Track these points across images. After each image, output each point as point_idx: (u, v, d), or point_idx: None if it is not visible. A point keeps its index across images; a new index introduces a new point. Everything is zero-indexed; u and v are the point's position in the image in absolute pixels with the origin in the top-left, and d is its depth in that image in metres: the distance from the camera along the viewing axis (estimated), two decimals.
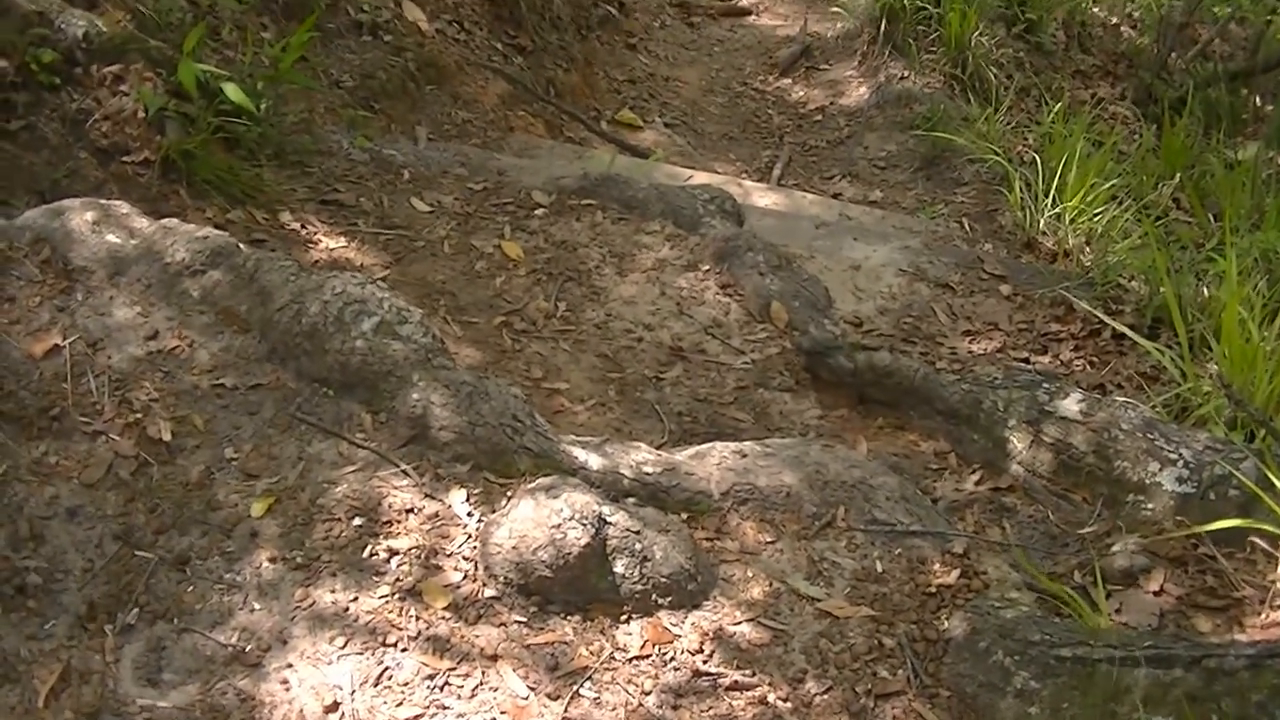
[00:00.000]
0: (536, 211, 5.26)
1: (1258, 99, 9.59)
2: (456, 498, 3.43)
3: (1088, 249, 6.01)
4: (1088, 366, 5.12)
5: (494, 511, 3.37)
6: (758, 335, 4.74)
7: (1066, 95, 8.60)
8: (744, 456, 3.63)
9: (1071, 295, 5.51)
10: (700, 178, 6.47)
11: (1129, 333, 4.85)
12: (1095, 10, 9.76)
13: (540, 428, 3.59)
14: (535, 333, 4.65)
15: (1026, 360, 5.14)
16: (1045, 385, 4.22)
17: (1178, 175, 7.52)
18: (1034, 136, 7.53)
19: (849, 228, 6.00)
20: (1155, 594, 3.60)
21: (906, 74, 8.18)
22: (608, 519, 3.27)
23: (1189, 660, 2.87)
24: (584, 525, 3.21)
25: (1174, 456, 3.89)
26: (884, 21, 8.40)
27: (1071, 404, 4.10)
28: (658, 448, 3.99)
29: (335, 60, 6.14)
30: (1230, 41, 10.28)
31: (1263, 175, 7.86)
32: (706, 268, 5.00)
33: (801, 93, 8.58)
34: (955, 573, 3.49)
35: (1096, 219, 6.08)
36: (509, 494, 3.42)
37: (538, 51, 7.66)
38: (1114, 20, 9.92)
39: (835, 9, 8.97)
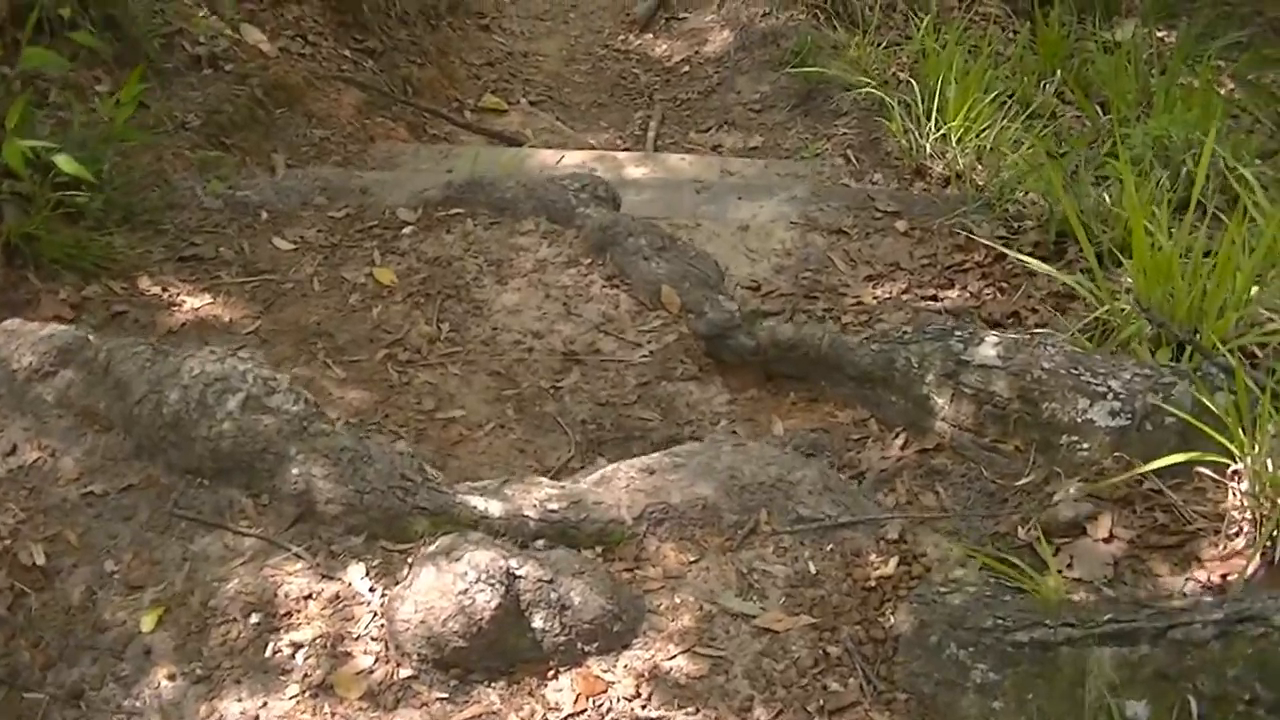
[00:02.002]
0: (404, 230, 5.01)
1: None
2: (355, 574, 3.20)
3: (979, 167, 5.81)
4: (998, 294, 4.94)
5: (396, 583, 3.15)
6: (652, 325, 4.52)
7: (933, 5, 8.39)
8: (652, 473, 3.41)
9: (969, 222, 5.32)
10: (572, 157, 6.24)
11: (1031, 262, 4.65)
12: None
13: (433, 481, 3.36)
14: (421, 361, 4.41)
15: (934, 297, 4.95)
16: (958, 333, 4.02)
17: (1058, 71, 7.34)
18: (908, 55, 7.30)
19: (732, 186, 5.78)
20: (1105, 541, 3.42)
21: (768, 11, 7.95)
22: (516, 572, 3.05)
23: (1154, 633, 2.69)
24: (492, 585, 2.99)
25: (1102, 390, 3.70)
26: None
27: (988, 349, 3.91)
28: (566, 462, 3.80)
29: (178, 101, 5.83)
30: None
31: (1143, 55, 7.70)
32: (589, 261, 4.78)
33: (665, 46, 8.33)
34: (894, 560, 3.30)
35: (983, 135, 5.86)
36: (409, 561, 3.19)
37: (389, 51, 7.37)
38: None
39: None
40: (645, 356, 4.40)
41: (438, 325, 4.54)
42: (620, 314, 4.57)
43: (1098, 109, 6.70)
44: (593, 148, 7.06)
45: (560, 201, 4.97)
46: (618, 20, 8.78)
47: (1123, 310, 4.21)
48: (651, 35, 8.50)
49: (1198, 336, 3.97)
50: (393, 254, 4.90)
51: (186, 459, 3.40)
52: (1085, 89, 7.31)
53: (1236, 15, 9.69)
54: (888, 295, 4.96)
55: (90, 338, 3.71)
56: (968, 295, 4.93)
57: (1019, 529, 3.54)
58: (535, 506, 3.32)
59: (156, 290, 4.67)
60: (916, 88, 6.36)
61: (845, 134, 6.70)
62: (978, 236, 5.20)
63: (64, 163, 4.55)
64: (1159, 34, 8.68)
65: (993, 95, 6.23)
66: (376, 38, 7.34)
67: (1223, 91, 7.97)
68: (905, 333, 4.14)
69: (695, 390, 4.27)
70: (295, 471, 3.31)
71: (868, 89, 6.64)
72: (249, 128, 6.02)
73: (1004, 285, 4.96)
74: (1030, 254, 5.07)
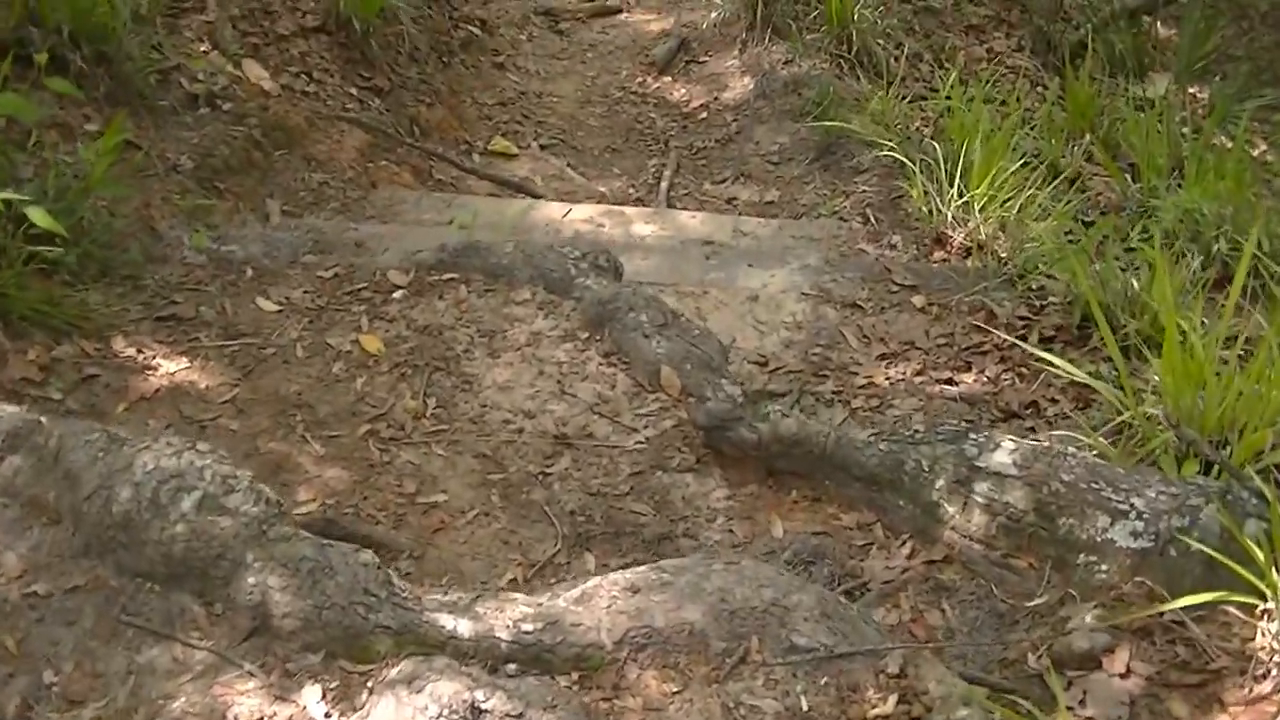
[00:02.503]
0: (395, 294, 4.78)
1: (1159, 26, 9.19)
2: (310, 697, 2.96)
3: (1002, 238, 5.56)
4: (1016, 380, 4.70)
5: (355, 710, 2.90)
6: (649, 408, 4.29)
7: (960, 56, 8.16)
8: (636, 592, 3.16)
9: (990, 300, 5.08)
10: (580, 211, 6.01)
11: (1052, 360, 4.39)
12: None
13: (399, 596, 3.11)
14: (405, 439, 4.18)
15: (949, 381, 4.71)
16: (973, 437, 3.78)
17: (1087, 134, 7.10)
18: (932, 109, 7.07)
19: (743, 251, 5.55)
20: (1122, 676, 3.17)
21: (790, 58, 7.70)
22: (482, 706, 2.81)
23: None
24: None
25: (1124, 508, 3.46)
26: (760, 4, 7.94)
27: (1004, 456, 3.67)
28: (551, 557, 3.59)
29: (171, 141, 5.61)
30: None
31: (1176, 115, 7.46)
32: (585, 336, 4.54)
33: (683, 91, 8.09)
34: (893, 698, 3.05)
35: (1008, 205, 5.61)
36: (369, 685, 2.95)
37: (397, 89, 7.13)
38: None
39: None
40: (641, 443, 4.16)
41: (424, 400, 4.31)
42: (616, 395, 4.34)
43: (1127, 177, 6.44)
44: (603, 198, 6.84)
45: (559, 271, 4.73)
46: (636, 62, 8.53)
47: (1148, 415, 3.95)
48: (670, 78, 8.26)
49: (1228, 451, 3.71)
50: (381, 320, 4.67)
51: (137, 561, 3.16)
52: (1114, 151, 7.09)
53: (1271, 71, 9.47)
54: (901, 376, 4.73)
55: (42, 420, 3.47)
56: (985, 380, 4.70)
57: (1029, 655, 3.30)
58: (508, 627, 3.07)
59: (131, 352, 4.45)
60: (940, 149, 6.12)
61: (865, 192, 6.45)
62: (998, 316, 4.97)
63: (37, 216, 4.33)
64: (1192, 91, 8.46)
65: (1019, 160, 5.99)
66: (385, 75, 7.11)
67: (1255, 153, 7.75)
68: (916, 432, 3.90)
69: (692, 483, 4.04)
70: (252, 581, 3.07)
71: (889, 148, 6.39)
72: (244, 171, 5.79)
73: (1023, 371, 4.73)
74: (1053, 338, 4.86)
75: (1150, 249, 4.95)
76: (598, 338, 4.51)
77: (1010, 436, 3.77)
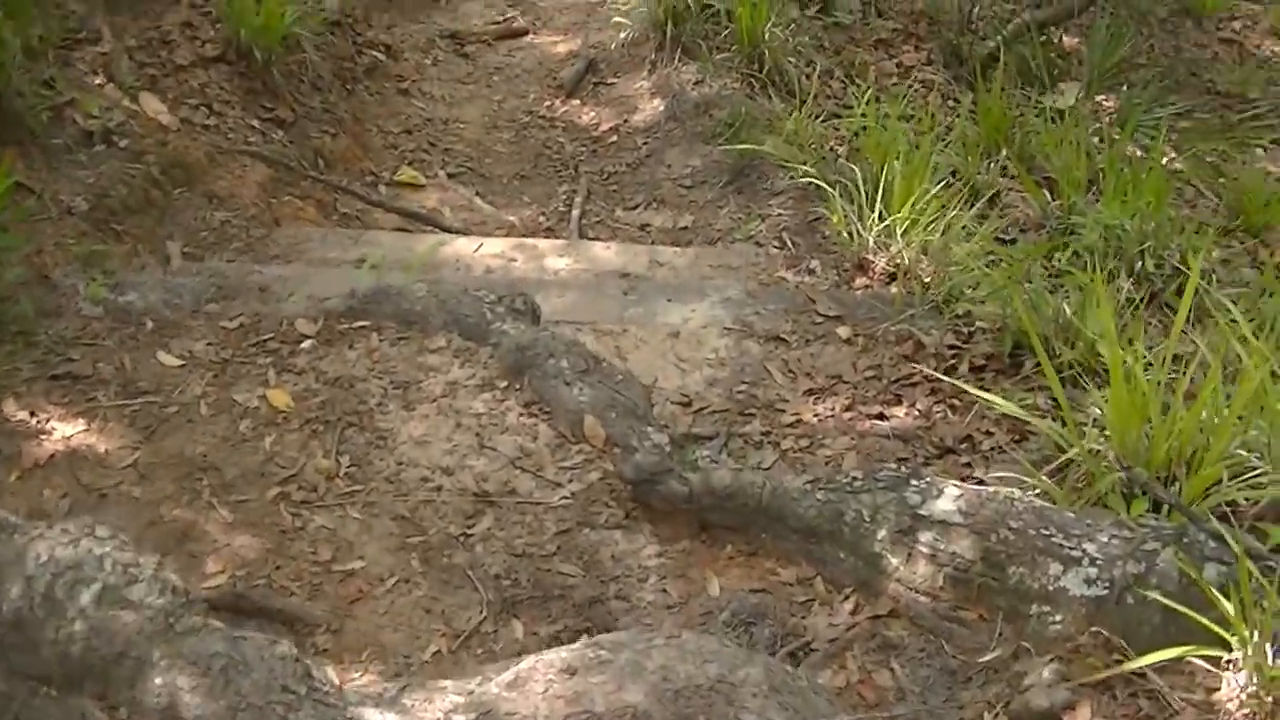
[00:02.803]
0: (303, 345, 4.57)
1: (1066, 37, 9.15)
2: None
3: (925, 261, 5.42)
4: (949, 413, 4.57)
5: None
6: (574, 460, 4.11)
7: (871, 72, 8.04)
8: (573, 674, 2.97)
9: (916, 328, 4.95)
10: (491, 246, 5.82)
11: (985, 397, 4.26)
12: None
13: (319, 691, 2.90)
14: (318, 501, 3.98)
15: (880, 416, 4.57)
16: (914, 484, 3.63)
17: (1003, 148, 7.00)
18: (847, 128, 6.92)
19: (661, 286, 5.37)
20: None
21: (701, 79, 7.52)
22: None
23: None
24: None
25: (1077, 554, 3.34)
26: (669, 24, 7.74)
27: (948, 503, 3.52)
28: (477, 626, 3.43)
29: (65, 182, 5.35)
30: None
31: (1088, 128, 7.39)
32: (505, 385, 4.35)
33: (592, 114, 7.90)
34: None
35: (930, 227, 5.48)
36: None
37: (300, 120, 6.89)
38: None
39: (617, 19, 8.28)
40: (566, 498, 3.98)
41: (336, 458, 4.11)
42: (539, 448, 4.15)
43: (1045, 193, 6.34)
44: (513, 228, 6.66)
45: (474, 316, 4.54)
46: (544, 85, 8.33)
47: (1093, 451, 3.82)
48: (579, 101, 8.06)
49: (1177, 488, 3.58)
50: (289, 373, 4.45)
51: (31, 663, 2.93)
52: (1029, 164, 7.00)
53: (1173, 78, 9.46)
54: (829, 413, 4.58)
55: None
56: (916, 414, 4.56)
57: (985, 715, 3.15)
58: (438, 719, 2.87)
59: (23, 415, 4.22)
60: (857, 170, 5.98)
61: (781, 215, 6.29)
62: (926, 346, 4.84)
63: None
64: (1101, 100, 8.41)
65: (938, 180, 5.87)
66: (288, 105, 6.87)
67: (1164, 161, 7.70)
68: (855, 479, 3.73)
69: (621, 540, 3.86)
70: (159, 681, 2.85)
71: (805, 169, 6.24)
72: (143, 211, 5.55)
73: (955, 403, 4.60)
74: (983, 367, 4.73)
75: (1080, 272, 4.83)
76: (517, 386, 4.33)
77: (954, 482, 3.63)
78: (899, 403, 4.64)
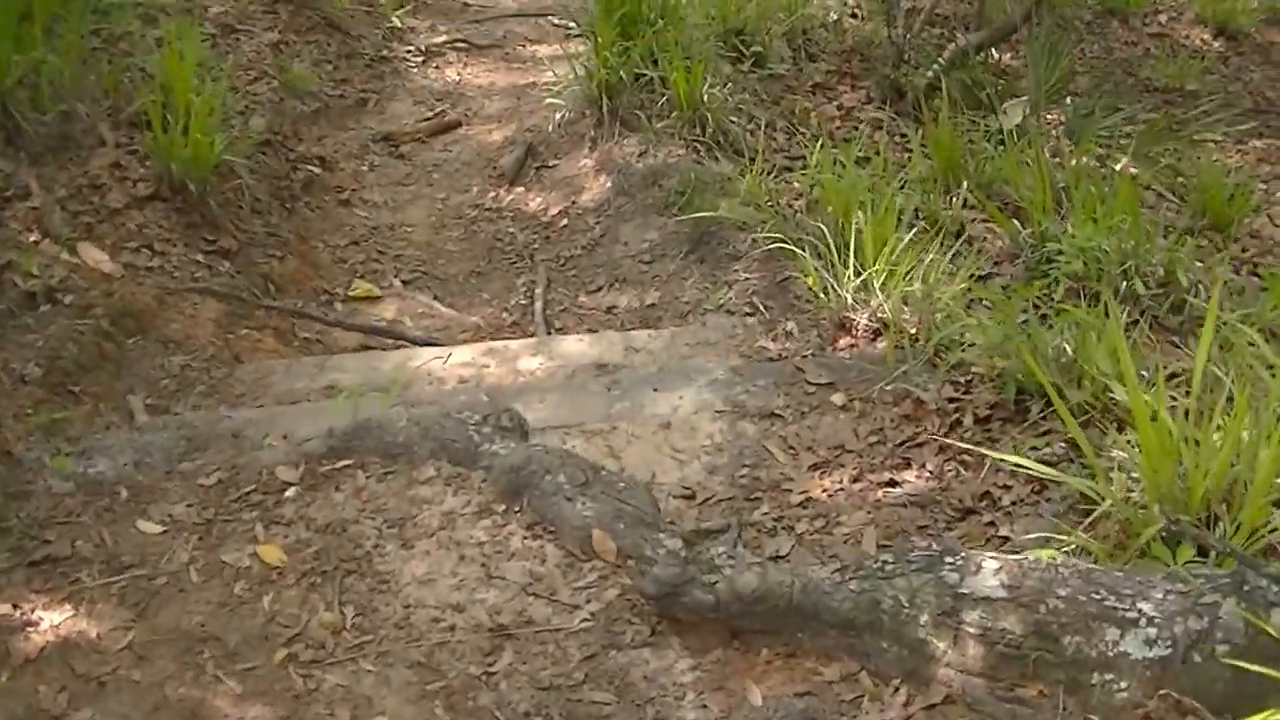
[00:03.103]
0: (287, 493, 4.36)
1: (1005, 57, 9.09)
2: None
3: (907, 311, 5.27)
4: (961, 470, 4.42)
5: None
6: (588, 579, 3.92)
7: (813, 118, 7.94)
8: None
9: (913, 385, 4.79)
10: (460, 354, 5.63)
11: (994, 456, 4.10)
12: (810, 11, 9.09)
13: None
14: (328, 658, 3.77)
15: (891, 483, 4.41)
16: (949, 561, 3.46)
17: (963, 181, 6.88)
18: (801, 182, 6.78)
19: (644, 375, 5.21)
20: None
21: (644, 149, 7.38)
22: None
23: None
24: None
25: (1133, 615, 3.18)
26: (604, 99, 7.62)
27: (989, 578, 3.35)
28: None
29: (14, 349, 5.14)
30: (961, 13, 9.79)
31: (1044, 147, 7.29)
32: (503, 509, 4.16)
33: (539, 200, 7.74)
34: None
35: (909, 276, 5.33)
36: None
37: (245, 248, 6.69)
38: (833, 16, 9.28)
39: (550, 100, 8.15)
40: (586, 621, 3.79)
41: (340, 610, 3.90)
42: (549, 570, 3.96)
43: (1014, 222, 6.21)
44: (478, 329, 6.48)
45: (460, 440, 4.35)
46: (485, 176, 8.17)
47: (1127, 499, 3.65)
48: (523, 189, 7.90)
49: (1219, 529, 3.42)
50: (277, 525, 4.25)
51: None
52: (990, 190, 6.90)
53: (1111, 81, 9.42)
54: (839, 486, 4.43)
55: None
56: (928, 476, 4.41)
57: None
58: None
59: (5, 609, 3.99)
60: (820, 221, 5.87)
61: (748, 280, 6.14)
62: (926, 402, 4.69)
63: None
64: (1048, 116, 8.34)
65: (906, 224, 5.75)
66: (229, 234, 6.66)
67: (1120, 166, 7.63)
68: (886, 564, 3.55)
69: (651, 658, 3.67)
70: None
71: (766, 229, 6.10)
72: (98, 368, 5.34)
73: (966, 458, 4.44)
74: (989, 417, 4.57)
75: (1073, 308, 4.68)
76: (516, 509, 4.13)
77: (991, 555, 3.45)
78: (908, 466, 4.48)
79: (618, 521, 3.97)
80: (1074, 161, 7.29)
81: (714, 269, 6.43)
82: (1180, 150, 8.30)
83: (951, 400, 4.70)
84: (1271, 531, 3.39)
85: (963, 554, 3.47)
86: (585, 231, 7.30)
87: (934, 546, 3.56)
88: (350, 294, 6.89)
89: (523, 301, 6.80)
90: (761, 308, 5.88)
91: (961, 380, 4.79)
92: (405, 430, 4.41)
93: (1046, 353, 4.49)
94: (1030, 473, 4.20)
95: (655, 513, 4.07)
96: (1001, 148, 7.28)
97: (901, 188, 6.58)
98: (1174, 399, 3.96)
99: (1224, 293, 5.79)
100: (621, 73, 7.51)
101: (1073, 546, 3.60)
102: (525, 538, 4.06)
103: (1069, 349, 4.46)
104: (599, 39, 7.62)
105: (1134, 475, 3.71)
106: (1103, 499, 3.66)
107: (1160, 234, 6.33)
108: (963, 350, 4.82)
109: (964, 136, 7.45)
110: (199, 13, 8.17)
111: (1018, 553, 3.54)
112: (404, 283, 7.07)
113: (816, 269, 5.53)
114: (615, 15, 7.60)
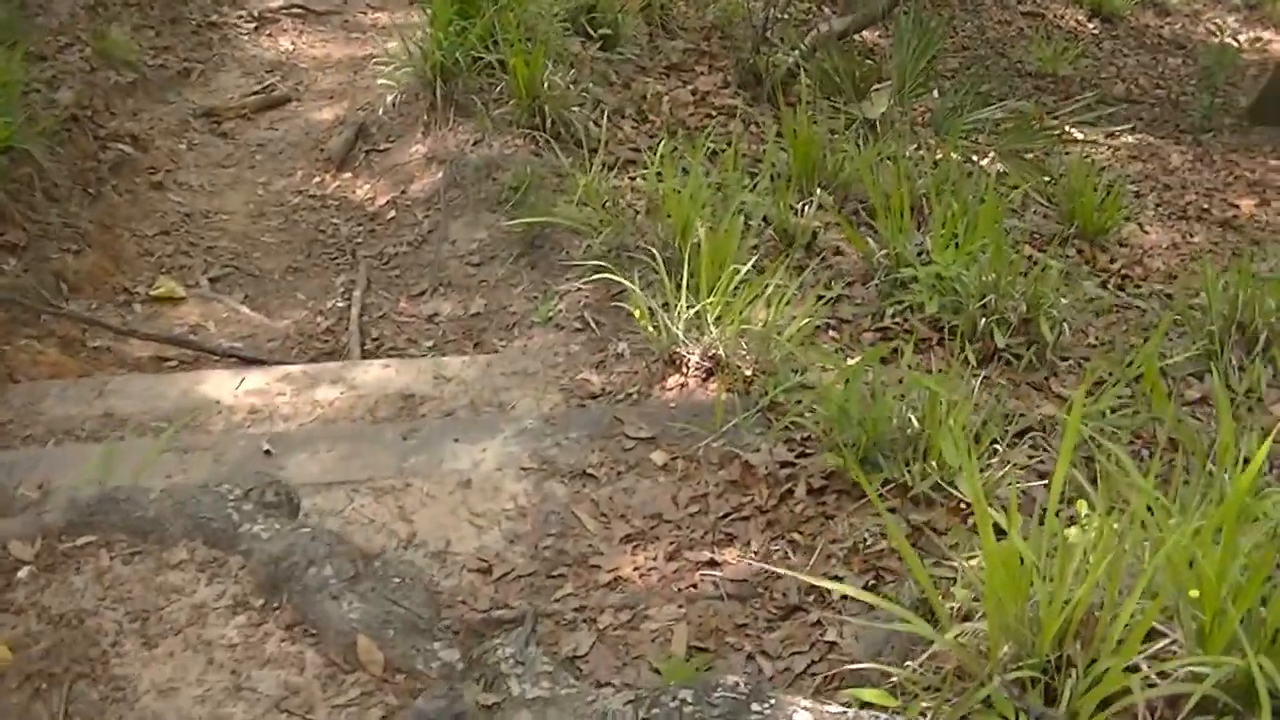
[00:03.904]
0: (20, 574, 3.76)
1: (870, 43, 8.64)
2: None
3: (744, 348, 4.79)
4: (789, 551, 3.94)
5: None
6: (350, 695, 3.39)
7: (665, 104, 7.42)
8: None
9: (741, 446, 4.32)
10: (254, 380, 5.09)
11: (838, 588, 3.62)
12: None
13: None
14: None
15: (711, 563, 3.94)
16: (755, 709, 2.97)
17: (815, 181, 6.42)
18: (643, 178, 6.26)
19: (447, 422, 4.69)
20: None
21: (480, 138, 6.84)
22: None
23: None
24: None
25: None
26: (439, 81, 7.05)
27: None
28: None
29: None
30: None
31: (906, 141, 6.86)
32: (261, 603, 3.61)
33: (366, 188, 7.17)
34: None
35: (749, 306, 4.84)
36: None
37: (36, 241, 6.05)
38: None
39: (382, 80, 7.56)
40: None
41: None
42: (307, 681, 3.43)
43: (869, 241, 5.76)
44: (287, 338, 5.93)
45: (218, 519, 3.79)
46: (311, 159, 7.56)
47: (963, 642, 3.15)
48: (350, 174, 7.32)
49: (1074, 680, 2.94)
50: (6, 613, 3.66)
51: None
52: (847, 190, 6.45)
53: (981, 64, 9.06)
54: (652, 564, 3.96)
55: None
56: (753, 555, 3.93)
57: None
58: None
59: None
60: (659, 237, 5.38)
61: (580, 291, 5.64)
62: (755, 466, 4.22)
63: None
64: (914, 106, 7.90)
65: (756, 232, 5.29)
66: (19, 227, 6.02)
67: (986, 161, 7.24)
68: (685, 703, 3.06)
69: None
70: None
71: (602, 236, 5.60)
72: None
73: (796, 536, 3.97)
74: (824, 488, 4.12)
75: (924, 378, 4.20)
76: (275, 605, 3.59)
77: (803, 703, 2.97)
78: (730, 543, 4.02)
79: (387, 627, 3.46)
80: (939, 156, 6.86)
81: (545, 276, 5.93)
82: (1050, 147, 7.89)
83: (784, 465, 4.22)
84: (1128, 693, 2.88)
85: (772, 699, 2.98)
86: (413, 226, 6.75)
87: (741, 687, 3.06)
88: (152, 293, 6.27)
89: (340, 304, 6.24)
90: (592, 323, 5.40)
91: (797, 439, 4.32)
92: (156, 504, 3.84)
93: (890, 423, 4.02)
94: (863, 556, 3.76)
95: (432, 615, 3.56)
96: (861, 145, 6.83)
97: (752, 189, 6.10)
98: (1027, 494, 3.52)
99: (1097, 326, 5.43)
100: (458, 55, 6.94)
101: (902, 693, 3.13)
102: (283, 640, 3.52)
103: (915, 421, 3.99)
104: (435, 17, 7.04)
105: (979, 603, 3.21)
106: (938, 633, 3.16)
107: (1027, 243, 5.98)
108: (799, 408, 4.34)
109: (825, 127, 6.96)
110: None
111: (840, 689, 3.08)
112: (212, 280, 6.48)
113: (646, 298, 5.01)
114: None
